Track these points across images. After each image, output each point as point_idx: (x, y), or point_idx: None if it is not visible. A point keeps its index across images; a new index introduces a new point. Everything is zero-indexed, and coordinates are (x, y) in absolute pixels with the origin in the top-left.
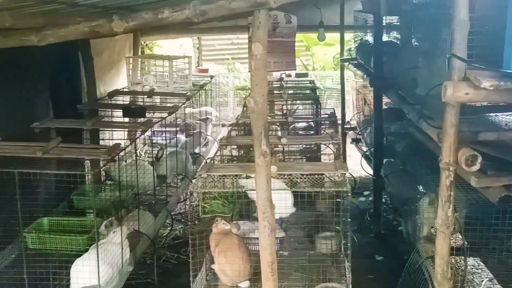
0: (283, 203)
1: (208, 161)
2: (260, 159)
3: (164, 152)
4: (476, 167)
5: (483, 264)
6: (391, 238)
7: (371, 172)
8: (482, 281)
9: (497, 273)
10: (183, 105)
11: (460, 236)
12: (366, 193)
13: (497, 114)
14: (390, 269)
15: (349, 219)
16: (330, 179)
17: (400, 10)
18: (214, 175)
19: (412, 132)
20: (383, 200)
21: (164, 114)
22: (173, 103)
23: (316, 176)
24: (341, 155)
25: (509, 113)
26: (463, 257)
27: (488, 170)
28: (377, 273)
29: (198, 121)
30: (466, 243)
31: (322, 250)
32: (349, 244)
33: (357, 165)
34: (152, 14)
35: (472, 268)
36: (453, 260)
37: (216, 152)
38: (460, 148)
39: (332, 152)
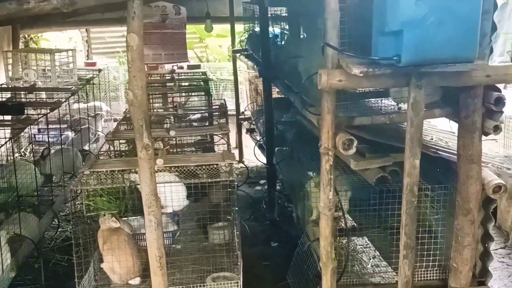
0: (176, 196)
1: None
2: (142, 152)
3: (49, 150)
4: (353, 150)
5: (370, 243)
6: (286, 224)
7: (265, 161)
8: (370, 259)
9: (381, 250)
10: (67, 100)
11: (349, 218)
12: (262, 181)
13: (377, 99)
14: (284, 254)
15: (237, 208)
16: (223, 169)
17: (282, 1)
18: (97, 171)
19: (300, 120)
20: (277, 187)
21: (48, 111)
22: (57, 99)
23: (209, 167)
24: (229, 146)
25: (385, 98)
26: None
27: (366, 153)
28: (272, 259)
29: (87, 117)
30: (351, 224)
31: (215, 240)
32: (238, 233)
33: (251, 154)
34: (16, 4)
35: (361, 247)
36: (344, 241)
37: (101, 148)
38: (337, 133)
39: (226, 143)
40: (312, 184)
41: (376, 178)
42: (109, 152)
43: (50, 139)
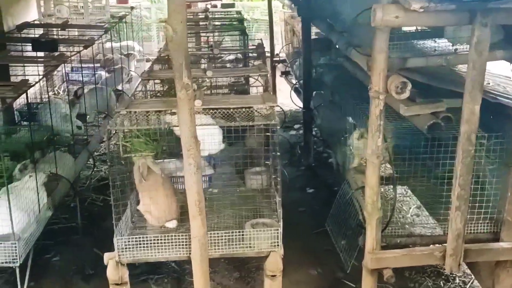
0: (212, 139)
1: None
2: (182, 93)
3: (83, 89)
4: (406, 94)
5: (411, 192)
6: (322, 170)
7: (301, 105)
8: (410, 208)
9: (425, 200)
10: (100, 38)
11: (390, 166)
12: (296, 126)
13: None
14: (320, 200)
15: (278, 153)
16: (259, 113)
17: None
18: (133, 111)
19: (341, 62)
20: (313, 132)
21: (81, 48)
22: (90, 36)
23: (245, 110)
24: (269, 88)
25: (436, 39)
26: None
27: (417, 98)
28: (308, 205)
29: (120, 56)
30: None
31: (252, 186)
32: (279, 179)
33: (287, 99)
34: None
35: (401, 197)
36: (382, 190)
37: (137, 87)
38: (389, 75)
39: (261, 85)
40: (356, 131)
41: (428, 124)
42: (144, 92)
43: (83, 78)
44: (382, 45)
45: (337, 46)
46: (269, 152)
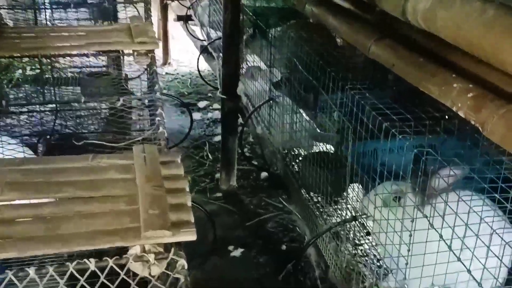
0: None
1: None
2: None
3: None
4: None
5: None
6: (253, 199)
7: (214, 77)
8: None
9: None
10: None
11: None
12: (202, 104)
13: None
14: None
15: None
16: None
17: None
18: None
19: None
20: (243, 146)
21: None
22: None
23: None
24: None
25: None
26: None
27: None
28: None
29: None
30: None
31: None
32: None
33: (185, 52)
34: None
35: None
36: None
37: None
38: None
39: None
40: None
41: None
42: None
43: None
44: None
45: None
46: None
